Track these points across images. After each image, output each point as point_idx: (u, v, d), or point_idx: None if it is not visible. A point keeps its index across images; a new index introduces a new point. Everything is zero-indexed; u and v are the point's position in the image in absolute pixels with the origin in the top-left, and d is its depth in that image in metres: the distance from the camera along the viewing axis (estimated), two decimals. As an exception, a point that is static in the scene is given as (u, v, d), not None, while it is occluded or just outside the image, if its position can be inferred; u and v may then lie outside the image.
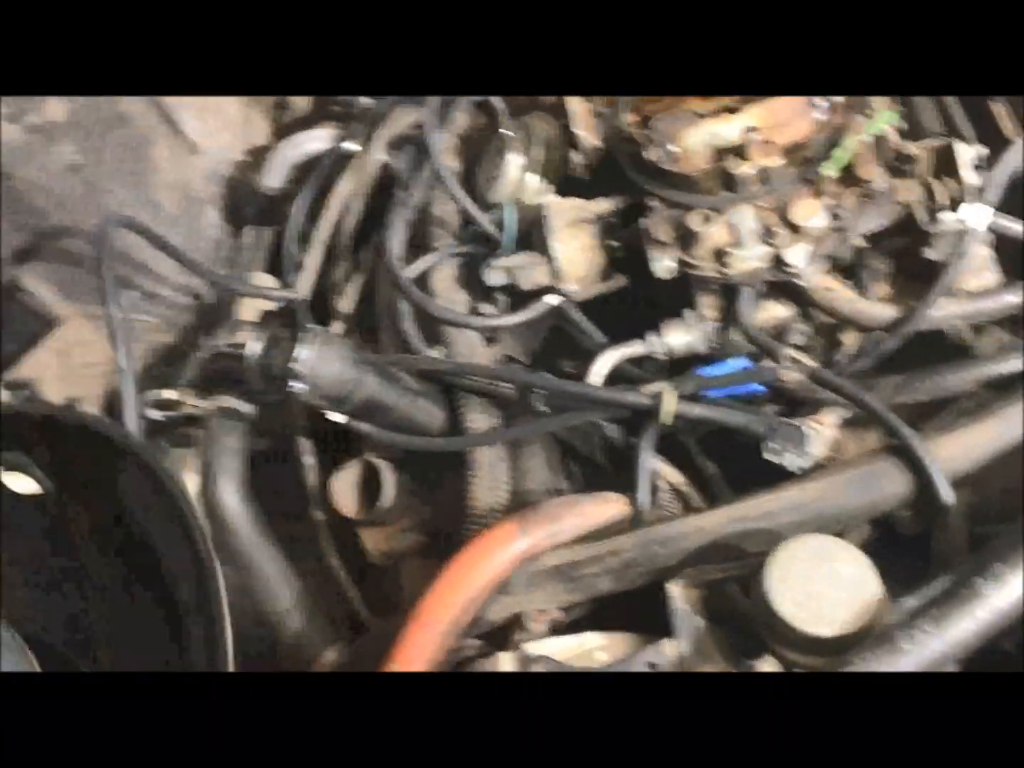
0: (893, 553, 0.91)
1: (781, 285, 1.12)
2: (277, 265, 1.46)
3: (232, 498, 1.17)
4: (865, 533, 1.02)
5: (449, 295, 1.29)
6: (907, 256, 1.14)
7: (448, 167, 1.36)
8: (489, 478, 1.14)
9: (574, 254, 1.20)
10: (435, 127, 1.35)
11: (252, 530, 1.17)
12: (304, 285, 1.40)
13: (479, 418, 1.18)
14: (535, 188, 1.29)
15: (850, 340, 1.14)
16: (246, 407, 1.21)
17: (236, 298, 1.37)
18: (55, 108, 1.29)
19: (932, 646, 0.73)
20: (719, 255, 1.10)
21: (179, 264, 1.33)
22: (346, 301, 1.39)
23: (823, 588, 0.82)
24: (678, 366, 1.15)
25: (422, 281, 1.29)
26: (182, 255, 1.31)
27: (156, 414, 1.19)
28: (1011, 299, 1.07)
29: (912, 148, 1.13)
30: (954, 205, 1.08)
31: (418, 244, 1.34)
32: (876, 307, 1.10)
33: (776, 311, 1.15)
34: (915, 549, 0.99)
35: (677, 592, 0.92)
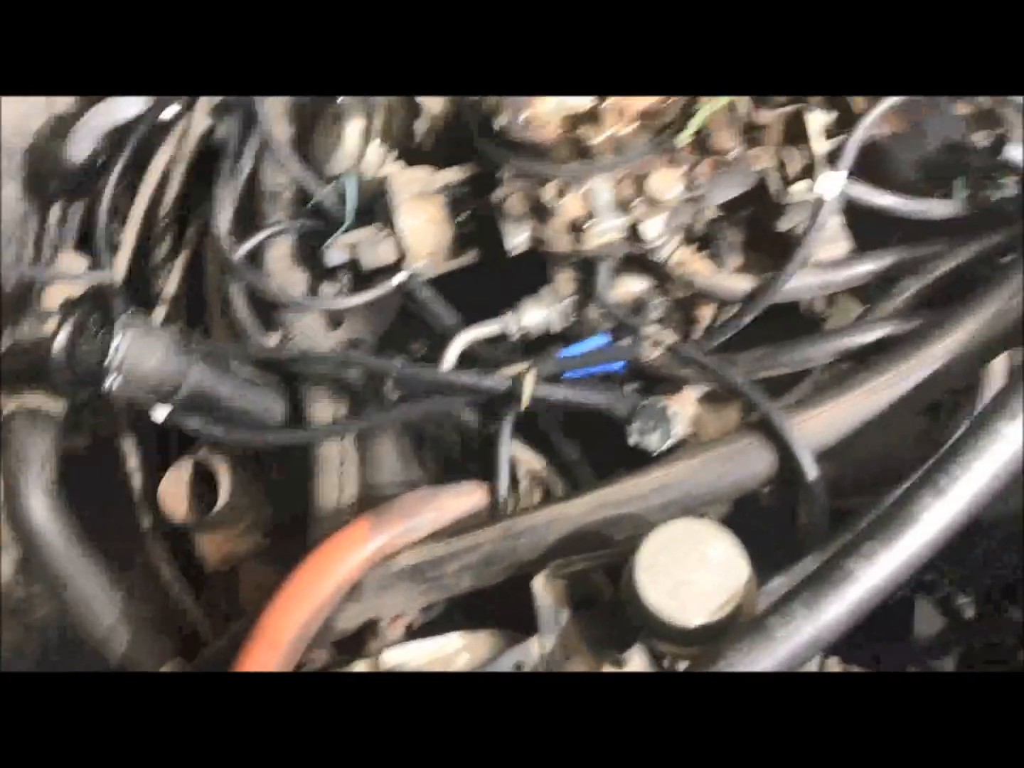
0: (756, 527, 0.89)
1: (638, 258, 1.08)
2: (89, 245, 1.30)
3: (39, 509, 1.03)
4: (726, 508, 1.00)
5: (286, 275, 1.18)
6: (763, 226, 1.12)
7: (280, 134, 1.25)
8: (336, 474, 1.06)
9: (421, 228, 1.12)
10: (264, 90, 1.24)
11: (65, 543, 1.04)
12: (120, 266, 1.26)
13: (323, 409, 1.08)
14: (378, 157, 1.19)
15: (707, 313, 1.11)
16: (55, 406, 1.07)
17: (40, 283, 1.22)
18: None
19: (806, 631, 0.71)
20: (575, 228, 1.04)
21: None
22: (169, 284, 1.26)
23: (692, 575, 0.79)
24: (536, 345, 1.09)
25: (255, 260, 1.18)
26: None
27: (-53, 417, 1.04)
28: (864, 268, 1.07)
29: (764, 116, 1.11)
30: (806, 173, 1.07)
31: (249, 220, 1.23)
32: (732, 279, 1.08)
33: (633, 285, 1.11)
34: (777, 521, 0.98)
35: (541, 586, 0.86)
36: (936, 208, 1.06)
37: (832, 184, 1.02)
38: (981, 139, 1.15)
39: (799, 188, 1.07)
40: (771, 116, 1.09)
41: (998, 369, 0.95)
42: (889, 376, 0.90)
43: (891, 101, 1.08)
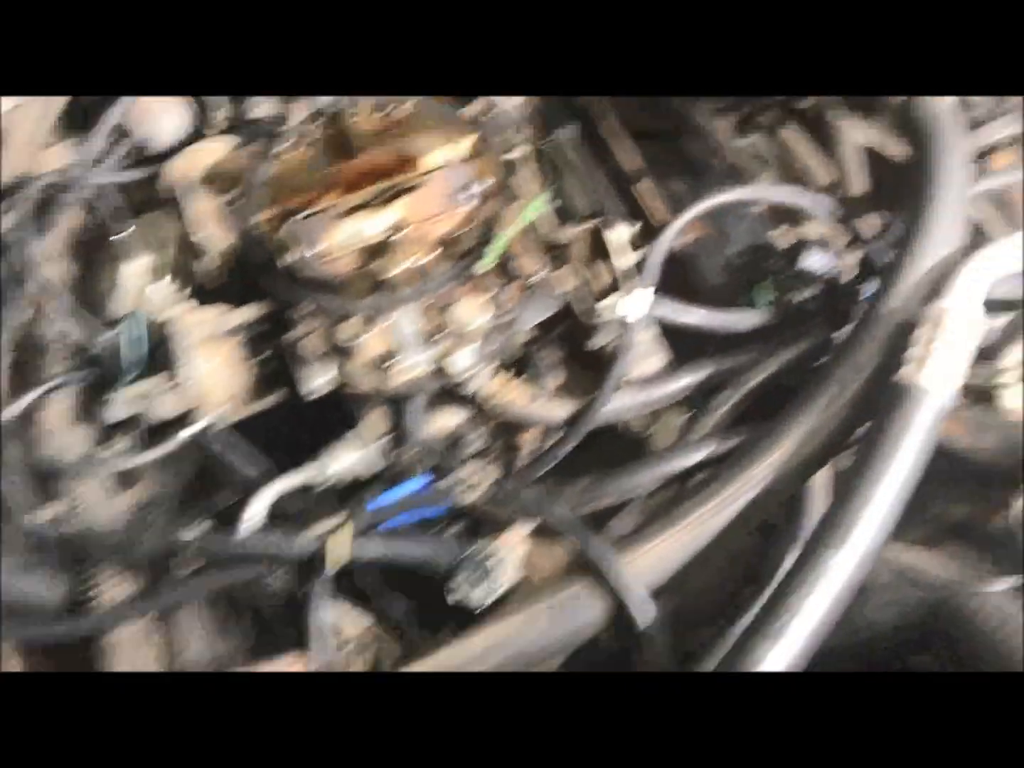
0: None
1: (450, 391, 1.02)
2: None
3: None
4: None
5: (65, 435, 1.06)
6: (576, 346, 1.08)
7: (57, 276, 1.14)
8: (132, 662, 0.93)
9: (214, 373, 1.02)
10: (34, 230, 1.13)
11: None
12: None
13: (113, 588, 0.96)
14: (164, 298, 1.09)
15: (530, 440, 1.06)
16: None
17: None
18: None
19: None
20: (379, 365, 0.98)
21: None
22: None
23: None
24: (349, 492, 1.00)
25: (28, 420, 1.05)
26: None
27: None
28: (680, 383, 1.04)
29: (566, 234, 1.08)
30: (614, 288, 1.04)
31: (22, 374, 1.10)
32: (549, 406, 1.03)
33: (448, 420, 1.05)
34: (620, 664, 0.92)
35: None
36: (743, 320, 1.05)
37: (637, 304, 0.99)
38: (781, 240, 1.17)
39: (606, 305, 1.04)
40: (572, 234, 1.06)
41: (820, 483, 0.93)
42: (715, 503, 0.86)
43: (695, 211, 1.08)
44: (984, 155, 1.31)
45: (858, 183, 1.35)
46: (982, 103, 1.20)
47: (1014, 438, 0.87)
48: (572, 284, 1.06)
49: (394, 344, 0.98)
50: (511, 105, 1.25)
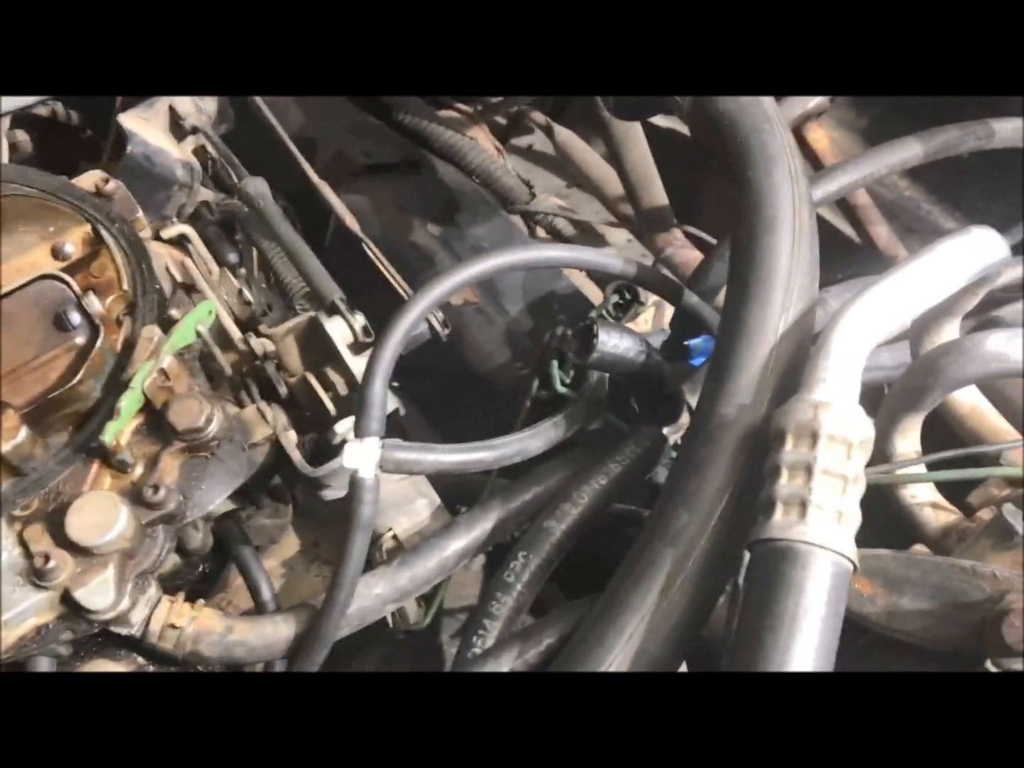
0: None
1: (100, 637, 0.64)
2: None
3: None
4: None
5: None
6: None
7: None
8: None
9: None
10: None
11: None
12: None
13: None
14: None
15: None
16: None
17: None
18: None
19: None
20: (-42, 631, 0.59)
21: None
22: None
23: None
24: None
25: None
26: None
27: None
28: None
29: (257, 342, 0.73)
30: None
31: None
32: (265, 627, 0.67)
33: (110, 674, 0.67)
34: None
35: None
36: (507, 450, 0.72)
37: (363, 455, 0.64)
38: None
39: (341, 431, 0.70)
40: (280, 332, 0.71)
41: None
42: None
43: (437, 292, 0.73)
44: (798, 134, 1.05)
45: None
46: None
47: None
48: (282, 424, 0.71)
49: (-20, 590, 0.60)
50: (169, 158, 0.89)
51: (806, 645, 0.52)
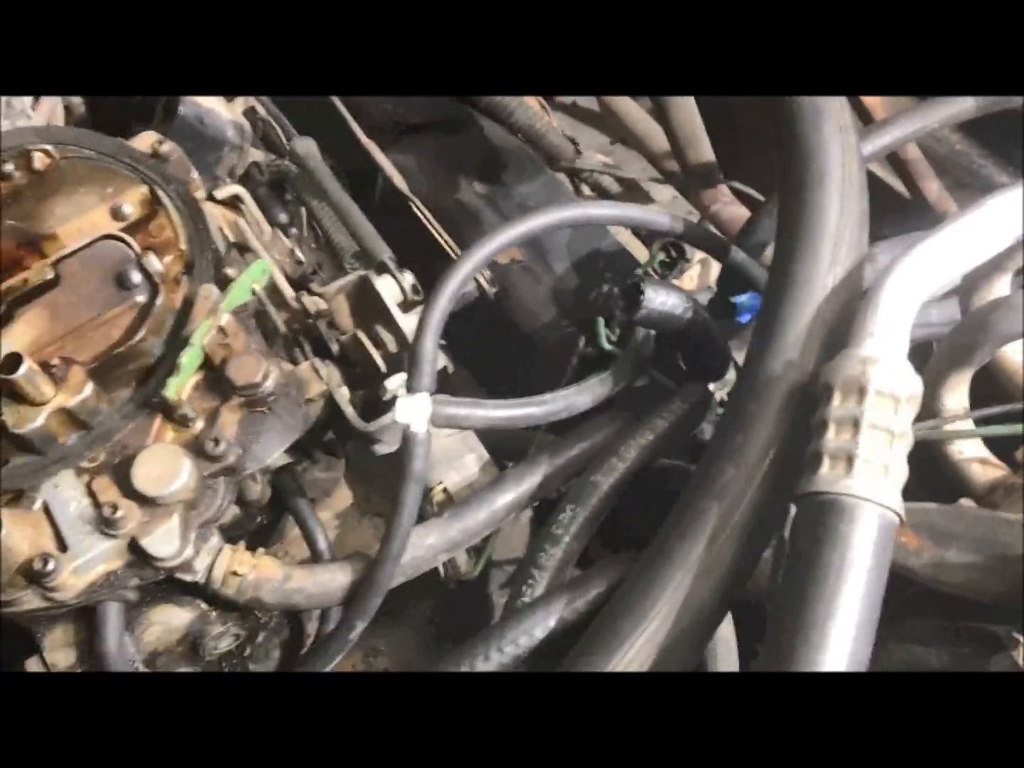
0: None
1: (162, 586, 0.67)
2: None
3: None
4: None
5: None
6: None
7: None
8: None
9: None
10: None
11: None
12: None
13: None
14: None
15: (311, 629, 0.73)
16: None
17: None
18: None
19: None
20: (35, 576, 0.62)
21: None
22: None
23: None
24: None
25: None
26: None
27: None
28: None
29: (310, 300, 0.75)
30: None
31: None
32: (320, 574, 0.69)
33: (176, 620, 0.70)
34: None
35: None
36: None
37: (417, 411, 0.66)
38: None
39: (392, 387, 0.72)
40: (330, 291, 0.73)
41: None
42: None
43: (485, 251, 0.74)
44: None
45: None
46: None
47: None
48: (335, 381, 0.73)
49: (53, 536, 0.63)
50: (220, 119, 0.90)
51: (852, 597, 0.52)
